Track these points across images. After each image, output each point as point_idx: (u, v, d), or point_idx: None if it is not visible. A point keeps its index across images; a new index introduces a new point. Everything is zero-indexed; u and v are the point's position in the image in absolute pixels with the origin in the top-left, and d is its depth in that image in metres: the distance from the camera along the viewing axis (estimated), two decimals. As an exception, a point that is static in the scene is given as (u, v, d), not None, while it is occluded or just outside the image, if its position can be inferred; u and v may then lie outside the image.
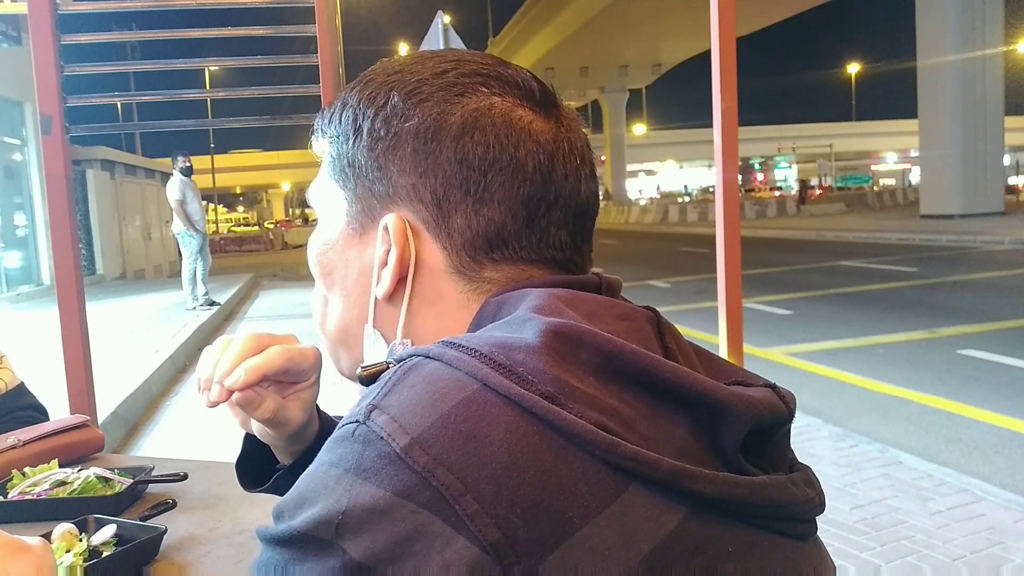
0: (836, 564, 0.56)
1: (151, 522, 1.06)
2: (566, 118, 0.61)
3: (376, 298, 0.59)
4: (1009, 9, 25.49)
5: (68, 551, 0.91)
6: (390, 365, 0.50)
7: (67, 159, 1.98)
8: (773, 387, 0.53)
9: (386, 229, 0.57)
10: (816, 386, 5.94)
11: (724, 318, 2.21)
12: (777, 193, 55.48)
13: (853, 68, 68.57)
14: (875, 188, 47.75)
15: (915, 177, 46.91)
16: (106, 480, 1.21)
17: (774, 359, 6.92)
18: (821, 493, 0.53)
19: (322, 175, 0.63)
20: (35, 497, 1.17)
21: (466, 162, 0.56)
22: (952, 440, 4.66)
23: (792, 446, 0.55)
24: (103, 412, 4.24)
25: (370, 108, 0.58)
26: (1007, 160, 32.15)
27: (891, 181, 60.39)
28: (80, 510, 1.08)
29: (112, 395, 5.05)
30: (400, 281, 0.58)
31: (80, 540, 0.94)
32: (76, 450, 1.42)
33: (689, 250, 19.61)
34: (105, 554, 0.95)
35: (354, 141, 0.59)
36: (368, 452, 0.44)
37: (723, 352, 2.24)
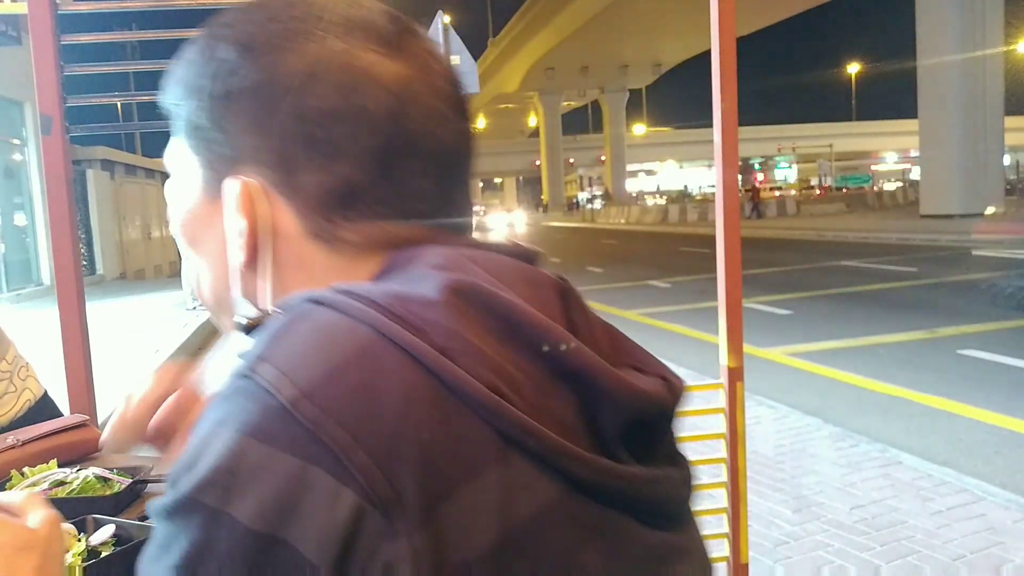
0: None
1: (150, 522, 1.06)
2: (423, 56, 0.55)
3: (237, 266, 0.54)
4: (1009, 9, 25.49)
5: (67, 551, 0.91)
6: (274, 315, 0.48)
7: (67, 159, 1.97)
8: (665, 377, 0.53)
9: (230, 196, 0.53)
10: (816, 386, 5.92)
11: (724, 318, 2.20)
12: (777, 193, 55.48)
13: (853, 68, 68.52)
14: (875, 188, 47.63)
15: (915, 177, 46.80)
16: (105, 480, 1.21)
17: (774, 359, 6.91)
18: (692, 488, 0.53)
19: (176, 139, 0.58)
20: (34, 497, 1.17)
21: (306, 116, 0.51)
22: (952, 440, 4.66)
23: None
24: (103, 412, 4.23)
25: (205, 65, 0.54)
26: (1007, 160, 32.10)
27: (891, 181, 60.28)
28: (79, 510, 1.08)
29: (112, 395, 5.04)
30: (257, 249, 0.53)
31: (79, 540, 0.94)
32: (75, 450, 1.42)
33: (689, 250, 19.60)
34: (104, 554, 0.95)
35: (195, 103, 0.54)
36: (253, 407, 0.42)
37: (723, 352, 2.24)
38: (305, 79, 0.51)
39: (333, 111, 0.51)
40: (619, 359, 0.52)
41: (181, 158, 0.58)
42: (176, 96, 0.56)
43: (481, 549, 0.41)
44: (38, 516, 0.60)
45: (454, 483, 0.41)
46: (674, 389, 0.52)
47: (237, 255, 0.54)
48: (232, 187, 0.53)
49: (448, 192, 0.55)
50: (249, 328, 0.53)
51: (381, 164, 0.52)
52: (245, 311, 0.55)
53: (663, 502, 0.50)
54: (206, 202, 0.56)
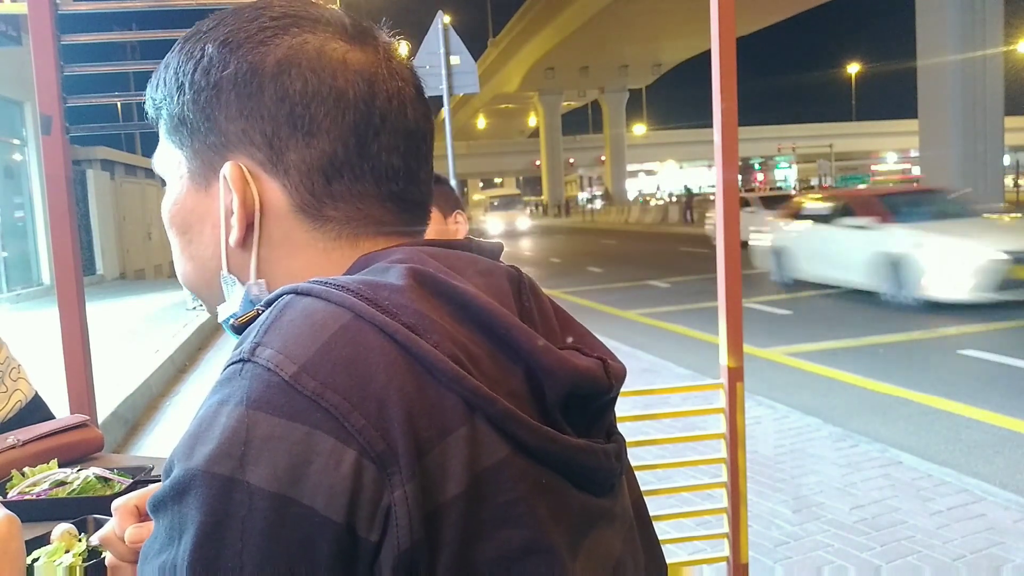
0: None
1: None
2: (383, 47, 0.62)
3: (229, 245, 0.60)
4: (1009, 9, 25.48)
5: (68, 551, 0.91)
6: (260, 312, 0.53)
7: (67, 159, 1.97)
8: (604, 360, 0.58)
9: (226, 178, 0.58)
10: (816, 386, 5.91)
11: (724, 318, 2.21)
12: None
13: (853, 68, 68.44)
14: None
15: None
16: (105, 480, 1.21)
17: (774, 359, 6.91)
18: (623, 465, 0.60)
19: (162, 140, 0.64)
20: (35, 497, 1.17)
21: (288, 98, 0.57)
22: (952, 440, 4.66)
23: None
24: (103, 412, 4.23)
25: (188, 63, 0.59)
26: (1007, 160, 32.11)
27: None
28: (80, 510, 1.08)
29: (112, 395, 5.05)
30: (249, 227, 0.59)
31: (79, 540, 0.94)
32: (76, 450, 1.42)
33: (689, 250, 19.60)
34: (104, 554, 0.95)
35: (178, 98, 0.60)
36: (257, 385, 0.46)
37: (723, 352, 2.24)
38: (285, 65, 0.57)
39: (312, 92, 0.57)
40: (566, 340, 0.59)
41: (168, 157, 0.63)
42: (161, 96, 0.61)
43: (454, 493, 0.47)
44: None
45: (433, 439, 0.47)
46: (611, 370, 0.57)
47: (232, 233, 0.59)
48: (226, 170, 0.58)
49: (414, 170, 0.61)
50: (238, 328, 0.57)
51: (357, 139, 0.58)
52: (230, 291, 0.61)
53: (595, 470, 0.55)
54: (195, 191, 0.61)
